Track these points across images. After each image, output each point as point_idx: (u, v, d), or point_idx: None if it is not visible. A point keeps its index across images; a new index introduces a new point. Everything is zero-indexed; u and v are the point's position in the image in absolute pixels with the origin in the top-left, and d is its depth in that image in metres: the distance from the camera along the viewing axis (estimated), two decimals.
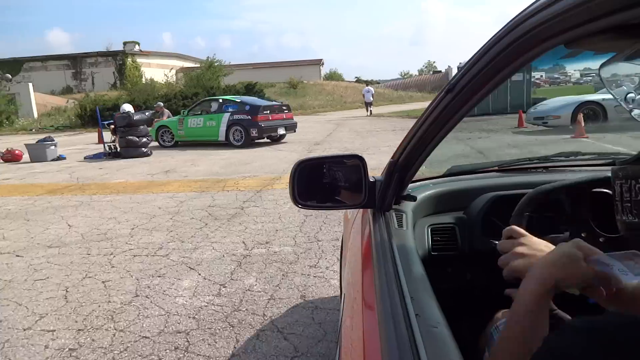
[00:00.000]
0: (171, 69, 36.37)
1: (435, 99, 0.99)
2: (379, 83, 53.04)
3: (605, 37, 0.57)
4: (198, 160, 10.69)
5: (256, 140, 13.10)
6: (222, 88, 30.12)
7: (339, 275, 2.99)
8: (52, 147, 12.18)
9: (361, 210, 1.59)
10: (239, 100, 13.85)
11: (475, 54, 0.83)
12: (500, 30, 0.75)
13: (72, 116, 28.89)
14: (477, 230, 1.37)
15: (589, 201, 1.20)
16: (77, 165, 10.83)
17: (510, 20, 0.71)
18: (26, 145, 12.30)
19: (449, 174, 1.74)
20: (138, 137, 11.85)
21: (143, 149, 11.88)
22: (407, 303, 0.79)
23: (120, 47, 43.89)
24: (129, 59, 42.65)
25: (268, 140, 13.72)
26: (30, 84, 34.94)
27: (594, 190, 1.20)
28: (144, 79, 37.92)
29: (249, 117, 12.75)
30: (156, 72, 38.80)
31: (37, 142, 12.24)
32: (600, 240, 1.12)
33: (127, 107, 12.21)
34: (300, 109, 33.61)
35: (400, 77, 68.33)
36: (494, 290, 1.04)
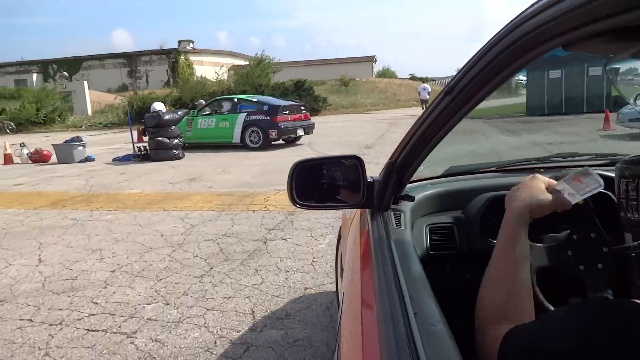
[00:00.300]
0: (222, 66, 35.89)
1: (434, 101, 0.99)
2: (434, 80, 50.47)
3: (603, 39, 0.57)
4: (231, 165, 9.36)
5: (273, 142, 12.09)
6: (270, 85, 29.14)
7: (334, 277, 2.80)
8: (80, 147, 11.27)
9: (359, 210, 1.59)
10: (255, 100, 12.82)
11: (473, 56, 0.83)
12: (498, 32, 0.74)
13: (120, 114, 28.77)
14: (476, 229, 1.34)
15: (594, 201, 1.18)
16: (100, 169, 9.79)
17: (509, 22, 0.71)
18: (53, 145, 11.47)
19: (447, 174, 1.71)
20: (169, 138, 10.69)
21: (174, 151, 10.72)
22: (406, 302, 0.80)
23: (176, 46, 43.95)
24: (181, 57, 42.60)
25: (283, 142, 12.58)
26: (86, 82, 35.36)
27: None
28: (195, 77, 37.90)
29: (268, 117, 11.78)
30: (208, 69, 38.57)
31: (64, 142, 11.37)
32: (604, 249, 1.05)
33: (158, 106, 11.07)
34: (352, 107, 32.04)
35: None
36: None
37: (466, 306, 1.15)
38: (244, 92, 26.82)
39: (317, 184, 1.34)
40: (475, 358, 0.85)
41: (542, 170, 1.65)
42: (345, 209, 2.05)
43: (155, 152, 10.66)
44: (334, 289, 3.13)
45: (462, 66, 0.89)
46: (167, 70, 42.99)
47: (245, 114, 12.15)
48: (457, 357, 0.66)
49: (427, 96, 25.33)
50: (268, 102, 12.62)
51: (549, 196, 0.84)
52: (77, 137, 11.53)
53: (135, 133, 12.07)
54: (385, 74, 56.84)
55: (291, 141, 12.79)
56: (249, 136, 12.07)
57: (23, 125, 27.40)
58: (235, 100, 12.93)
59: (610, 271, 0.98)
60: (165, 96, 27.85)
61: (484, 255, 1.17)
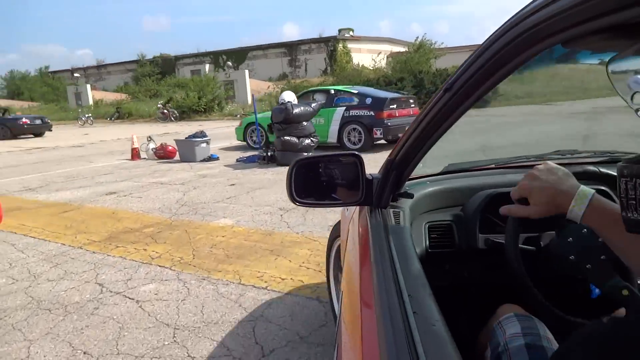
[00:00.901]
0: (379, 53, 33.77)
1: (433, 98, 1.00)
2: None
3: (602, 36, 0.58)
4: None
5: (375, 142, 9.81)
6: (431, 72, 25.82)
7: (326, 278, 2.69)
8: (203, 144, 9.61)
9: (358, 207, 1.56)
10: (355, 92, 10.25)
11: (473, 53, 0.84)
12: (498, 29, 0.75)
13: (273, 103, 28.17)
14: (475, 227, 1.34)
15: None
16: (213, 175, 7.86)
17: (508, 20, 0.72)
18: (176, 141, 10.04)
19: (446, 171, 1.68)
20: (298, 137, 8.37)
21: (304, 154, 8.37)
22: (405, 301, 0.79)
23: (335, 34, 43.02)
24: (340, 45, 41.48)
25: (384, 142, 9.94)
26: (247, 71, 35.99)
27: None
28: (352, 65, 36.76)
29: (371, 112, 9.63)
30: (366, 57, 37.05)
31: (186, 137, 9.85)
32: (599, 239, 1.08)
33: (288, 96, 8.76)
34: (527, 97, 26.96)
35: None
36: (491, 287, 1.13)
37: (465, 304, 1.28)
38: (400, 80, 24.18)
39: (316, 181, 1.30)
40: (475, 356, 0.97)
41: None
42: (344, 207, 1.99)
43: (282, 155, 8.44)
44: None
45: (462, 63, 0.89)
46: (325, 59, 42.25)
47: (344, 108, 9.96)
48: (456, 356, 0.66)
49: None
50: (371, 94, 10.16)
51: None
52: (201, 132, 9.90)
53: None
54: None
55: (393, 141, 10.09)
56: (348, 135, 9.91)
57: (186, 113, 28.36)
58: (332, 92, 10.46)
59: (613, 259, 0.97)
60: (318, 84, 26.49)
61: (483, 253, 1.29)
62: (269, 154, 8.81)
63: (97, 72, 53.12)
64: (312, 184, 1.29)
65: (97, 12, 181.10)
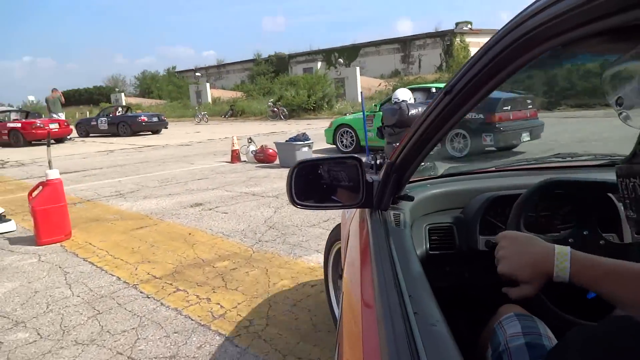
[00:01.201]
0: None
1: (434, 101, 0.98)
2: None
3: (602, 39, 0.57)
4: None
5: (484, 150, 8.08)
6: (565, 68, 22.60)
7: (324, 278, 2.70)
8: (304, 149, 8.61)
9: (359, 210, 1.55)
10: None
11: (473, 56, 0.82)
12: (498, 32, 0.74)
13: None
14: (475, 229, 1.32)
15: (589, 200, 1.20)
16: None
17: (508, 22, 0.71)
18: (275, 144, 9.16)
19: (447, 174, 1.69)
20: None
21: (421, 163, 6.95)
22: (406, 301, 0.78)
23: (452, 28, 40.46)
24: (457, 39, 38.85)
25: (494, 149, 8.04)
26: (357, 68, 35.04)
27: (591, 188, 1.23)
28: None
29: (480, 115, 7.97)
30: None
31: (286, 140, 8.92)
32: (601, 242, 1.09)
33: (402, 95, 7.30)
34: None
35: None
36: (492, 288, 1.08)
37: (466, 305, 1.25)
38: (529, 77, 21.49)
39: (316, 184, 1.30)
40: (475, 357, 0.94)
41: (541, 170, 1.63)
42: (344, 209, 1.99)
43: None
44: None
45: (462, 65, 0.86)
46: (440, 54, 39.85)
47: None
48: (457, 356, 0.65)
49: None
50: None
51: None
52: (303, 134, 8.91)
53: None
54: None
55: (505, 149, 8.30)
56: (451, 141, 8.36)
57: (295, 111, 28.11)
58: (433, 90, 8.84)
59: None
60: (433, 81, 24.62)
61: (483, 254, 1.24)
62: (377, 162, 7.52)
63: (217, 72, 55.80)
64: (312, 187, 1.29)
65: (222, 15, 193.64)
